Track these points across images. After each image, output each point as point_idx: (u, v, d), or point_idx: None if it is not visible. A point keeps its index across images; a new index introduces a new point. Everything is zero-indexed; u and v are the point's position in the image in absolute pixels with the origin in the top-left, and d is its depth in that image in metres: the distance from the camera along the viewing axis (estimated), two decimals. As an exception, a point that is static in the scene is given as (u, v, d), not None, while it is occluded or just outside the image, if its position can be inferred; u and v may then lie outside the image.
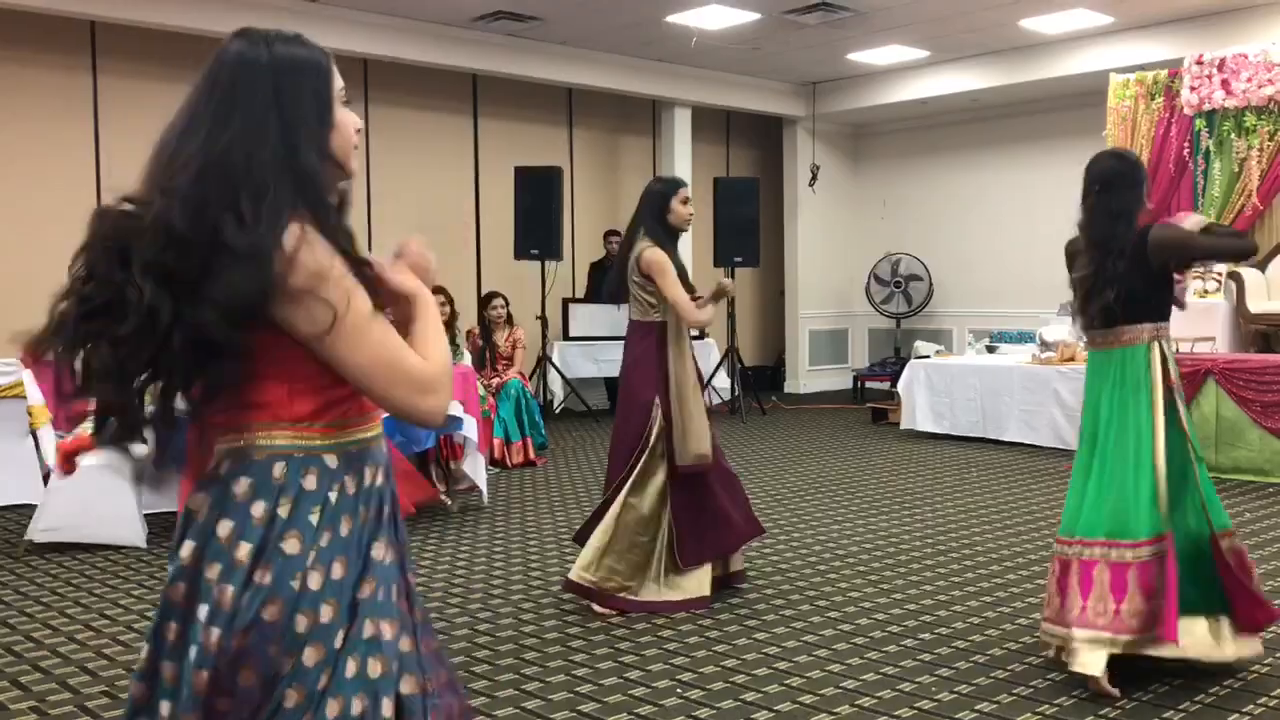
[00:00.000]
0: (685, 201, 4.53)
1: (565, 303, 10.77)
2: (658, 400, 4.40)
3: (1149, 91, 9.02)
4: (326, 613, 1.58)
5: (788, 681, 3.60)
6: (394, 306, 1.70)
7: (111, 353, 1.57)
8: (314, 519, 1.60)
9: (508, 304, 8.80)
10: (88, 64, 8.70)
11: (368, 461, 1.68)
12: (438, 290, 8.25)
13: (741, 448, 8.78)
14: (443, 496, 6.42)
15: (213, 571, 1.56)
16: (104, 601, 4.62)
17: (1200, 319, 7.99)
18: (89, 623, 4.33)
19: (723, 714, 3.34)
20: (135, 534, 5.53)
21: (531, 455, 8.09)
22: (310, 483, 1.61)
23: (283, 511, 1.58)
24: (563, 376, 10.35)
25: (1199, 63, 8.69)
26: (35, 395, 5.63)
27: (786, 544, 5.51)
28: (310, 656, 1.56)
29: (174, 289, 1.52)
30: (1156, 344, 3.52)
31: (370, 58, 9.64)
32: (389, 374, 1.57)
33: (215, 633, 1.54)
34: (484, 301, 8.96)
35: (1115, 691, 3.35)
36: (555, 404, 10.39)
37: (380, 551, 1.68)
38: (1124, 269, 3.49)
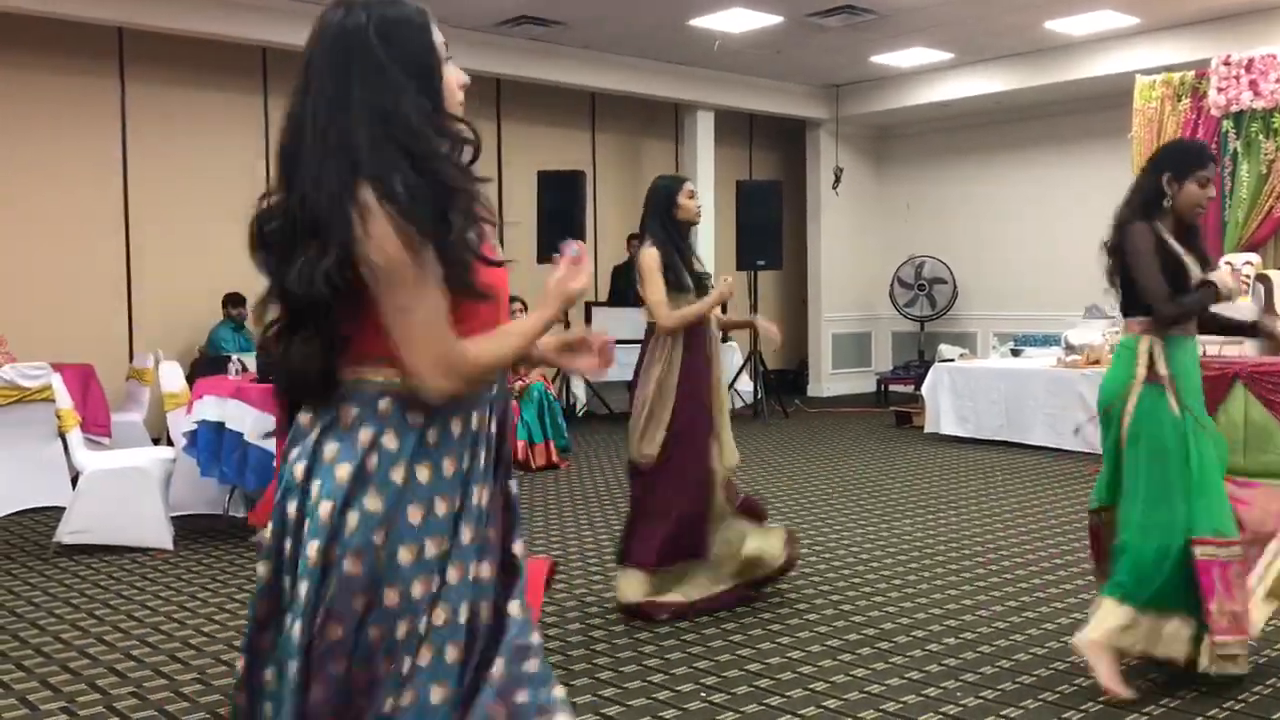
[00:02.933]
0: (691, 195, 4.50)
1: (588, 306, 10.78)
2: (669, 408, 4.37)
3: (1175, 93, 8.94)
4: (430, 548, 1.63)
5: (812, 686, 3.59)
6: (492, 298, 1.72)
7: (281, 342, 1.69)
8: (415, 454, 1.64)
9: (526, 307, 8.82)
10: (115, 70, 8.78)
11: (475, 407, 1.71)
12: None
13: (764, 451, 8.76)
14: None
15: (315, 488, 1.62)
16: (132, 603, 4.66)
17: (1228, 322, 7.90)
18: (117, 624, 4.37)
19: (747, 718, 3.33)
20: (162, 536, 5.57)
21: (554, 458, 8.10)
22: (415, 419, 1.65)
23: (389, 442, 1.63)
24: (586, 380, 10.36)
25: (1226, 63, 8.61)
26: (64, 399, 5.68)
27: (810, 548, 5.50)
28: (418, 590, 1.61)
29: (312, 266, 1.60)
30: (1145, 337, 3.44)
31: (394, 63, 9.68)
32: (419, 340, 1.59)
33: (315, 545, 1.59)
34: (506, 305, 8.99)
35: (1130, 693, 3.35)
36: (578, 407, 10.41)
37: (481, 497, 1.70)
38: (1117, 262, 3.50)
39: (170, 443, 6.20)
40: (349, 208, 1.55)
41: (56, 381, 5.81)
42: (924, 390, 9.57)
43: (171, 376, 6.41)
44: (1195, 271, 3.46)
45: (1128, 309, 3.54)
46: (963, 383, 9.22)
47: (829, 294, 13.04)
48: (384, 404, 1.65)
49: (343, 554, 1.59)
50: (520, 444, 7.88)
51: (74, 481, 5.80)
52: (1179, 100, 8.94)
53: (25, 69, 8.36)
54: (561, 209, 9.92)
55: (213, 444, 5.72)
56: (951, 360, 9.93)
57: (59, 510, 5.89)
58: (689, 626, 4.24)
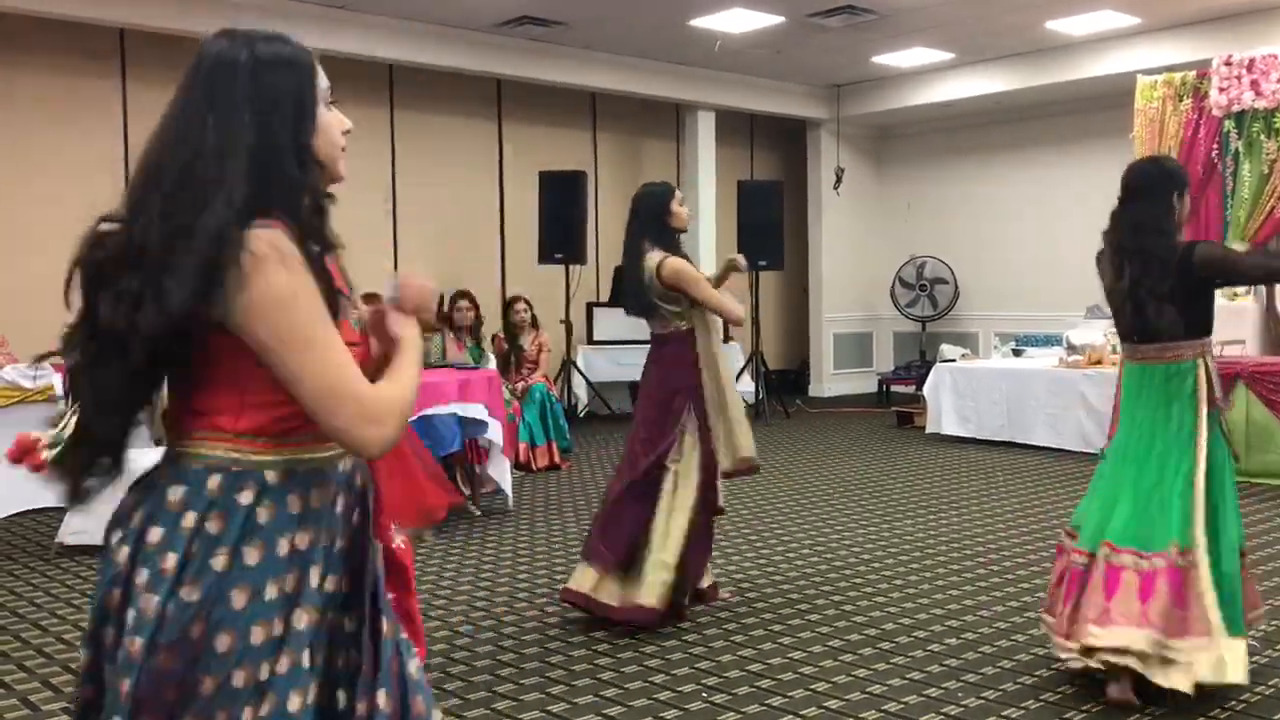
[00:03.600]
0: (682, 203, 4.47)
1: (589, 307, 10.79)
2: (691, 410, 4.30)
3: (1177, 93, 8.93)
4: (256, 634, 1.53)
5: (813, 686, 3.59)
6: (379, 339, 1.70)
7: (89, 383, 1.57)
8: (246, 536, 1.54)
9: (530, 307, 8.82)
10: (117, 71, 8.78)
11: (318, 482, 1.62)
12: (463, 294, 8.29)
13: (766, 451, 8.73)
14: (469, 505, 6.43)
15: (140, 578, 1.53)
16: (133, 604, 4.66)
17: (1230, 322, 7.90)
18: (118, 625, 4.37)
19: (749, 718, 3.33)
20: (164, 537, 5.56)
21: (556, 459, 8.10)
22: (245, 498, 1.55)
23: (211, 526, 1.53)
24: (587, 380, 10.36)
25: (1227, 63, 8.60)
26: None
27: (811, 549, 5.50)
28: (239, 679, 1.51)
29: (133, 304, 1.50)
30: (1201, 361, 3.43)
31: (395, 63, 9.69)
32: (334, 398, 1.51)
33: (138, 642, 1.50)
34: (507, 306, 8.99)
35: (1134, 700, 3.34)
36: (580, 408, 10.40)
37: (315, 579, 1.59)
38: (1168, 285, 3.37)
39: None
40: (227, 253, 1.47)
41: (58, 382, 5.81)
42: (925, 390, 9.56)
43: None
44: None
45: (1190, 330, 3.44)
46: (964, 383, 9.21)
47: (830, 294, 13.04)
48: (213, 483, 1.55)
49: (158, 646, 1.50)
50: (522, 445, 7.88)
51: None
52: (1180, 100, 8.93)
53: (26, 70, 8.37)
54: (562, 209, 9.93)
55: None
56: (953, 360, 9.93)
57: (61, 511, 5.89)
58: (690, 628, 4.24)
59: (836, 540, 5.68)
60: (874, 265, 13.15)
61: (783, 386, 11.94)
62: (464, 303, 8.14)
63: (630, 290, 4.46)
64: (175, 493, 1.55)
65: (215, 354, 1.55)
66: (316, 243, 1.58)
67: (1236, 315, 8.03)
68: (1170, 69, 9.21)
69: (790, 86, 12.16)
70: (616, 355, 10.37)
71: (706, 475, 4.30)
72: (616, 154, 11.88)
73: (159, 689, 1.50)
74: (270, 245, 1.49)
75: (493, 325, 8.92)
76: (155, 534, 1.54)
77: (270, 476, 1.57)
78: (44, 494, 6.42)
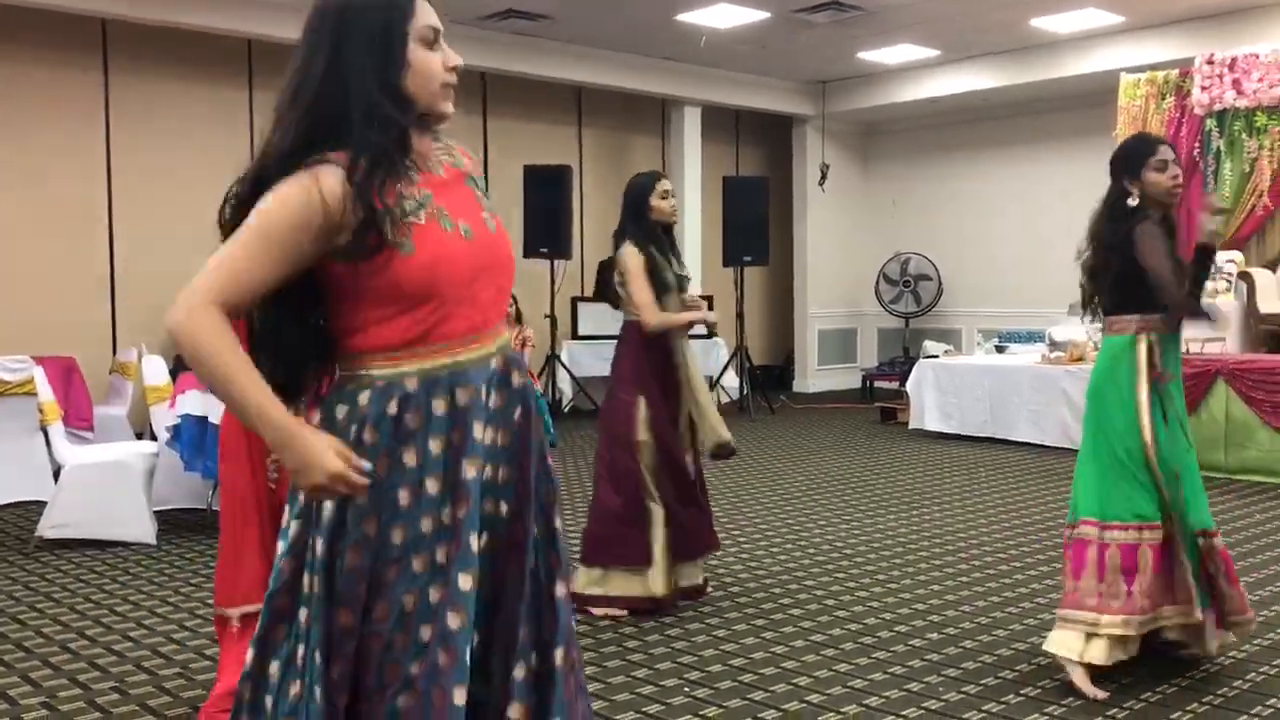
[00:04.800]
0: (665, 195, 4.43)
1: (574, 301, 10.78)
2: (643, 400, 4.33)
3: (1160, 91, 8.99)
4: (425, 525, 1.71)
5: (795, 681, 3.60)
6: None
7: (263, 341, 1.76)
8: (400, 441, 1.71)
9: (515, 302, 8.79)
10: (99, 63, 8.72)
11: (460, 384, 1.75)
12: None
13: (750, 447, 8.77)
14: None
15: None
16: (114, 598, 4.64)
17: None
18: (99, 619, 4.35)
19: (730, 713, 3.34)
20: (145, 531, 5.55)
21: (540, 453, 8.08)
22: (392, 408, 1.71)
23: (368, 437, 1.71)
24: (571, 375, 10.35)
25: (1210, 62, 8.66)
26: (46, 392, 5.65)
27: (794, 543, 5.51)
28: (418, 564, 1.71)
29: None
30: (1144, 336, 3.46)
31: (380, 56, 9.64)
32: (202, 275, 1.64)
33: (320, 543, 1.70)
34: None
35: (1100, 694, 3.36)
36: (564, 403, 10.40)
37: (470, 471, 1.74)
38: (1112, 260, 3.47)
39: (154, 437, 6.17)
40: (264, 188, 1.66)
41: (39, 375, 5.78)
42: (909, 386, 9.59)
43: (155, 370, 6.37)
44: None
45: (1125, 305, 3.50)
46: (947, 379, 9.25)
47: (815, 290, 13.06)
48: (363, 398, 1.73)
49: (343, 548, 1.69)
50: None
51: (56, 475, 5.78)
52: (1163, 99, 8.98)
53: (7, 60, 8.30)
54: (548, 204, 9.91)
55: (196, 438, 5.69)
56: (936, 356, 9.96)
57: (40, 504, 5.86)
58: (672, 622, 4.25)
59: (819, 535, 5.69)
60: (859, 261, 13.18)
61: (767, 382, 11.96)
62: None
63: (603, 280, 4.58)
64: (340, 411, 1.74)
65: (324, 282, 1.72)
66: (386, 172, 1.68)
67: (1217, 312, 8.08)
68: (1153, 67, 9.27)
69: (776, 82, 12.17)
70: (601, 350, 10.35)
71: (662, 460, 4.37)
72: (602, 149, 11.87)
73: (353, 584, 1.69)
74: (296, 180, 1.64)
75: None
76: None
77: (411, 384, 1.73)
78: (22, 486, 6.41)
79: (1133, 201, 3.47)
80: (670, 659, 3.83)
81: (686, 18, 9.44)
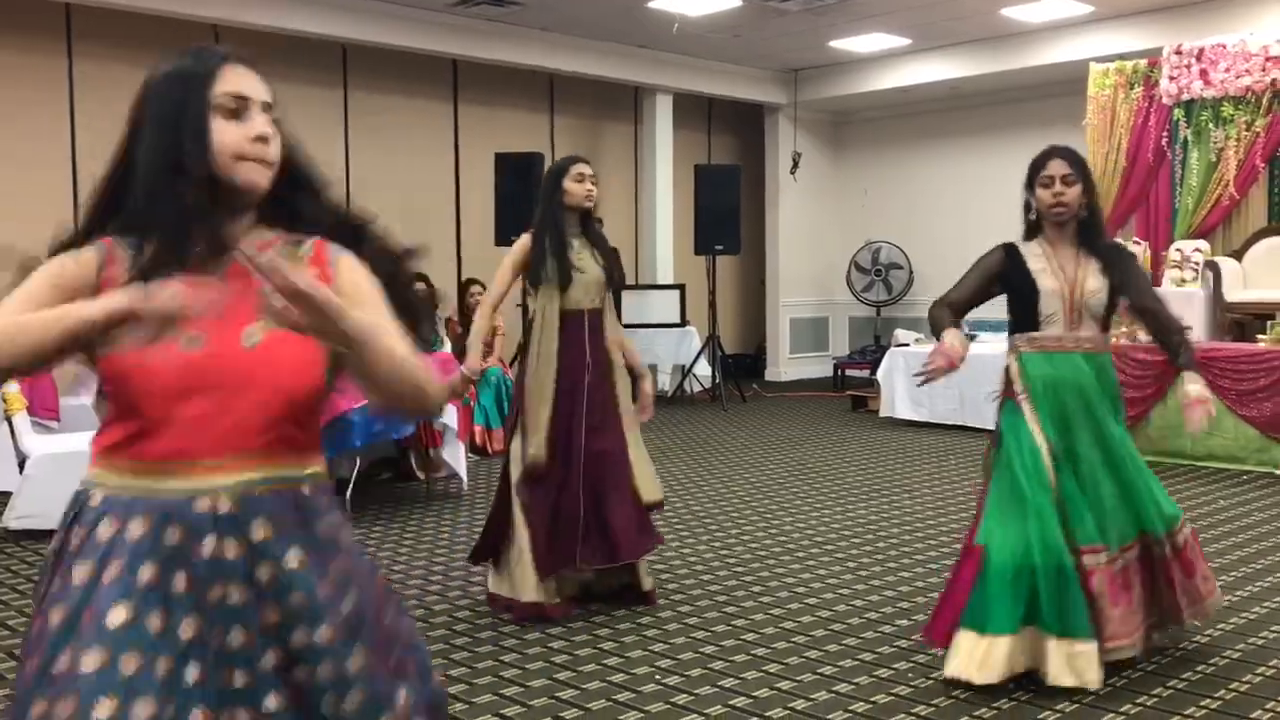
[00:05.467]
0: (580, 179, 4.16)
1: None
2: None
3: (1128, 81, 9.05)
4: (61, 662, 1.50)
5: (766, 668, 3.61)
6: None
7: None
8: (59, 557, 1.63)
9: (427, 281, 8.74)
10: (62, 47, 8.61)
11: (128, 515, 1.55)
12: (419, 277, 8.24)
13: (722, 435, 8.79)
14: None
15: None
16: (80, 589, 4.59)
17: (1177, 308, 7.97)
18: (65, 610, 4.30)
19: (701, 700, 3.35)
20: (112, 521, 5.49)
21: (511, 442, 8.06)
22: (67, 519, 1.65)
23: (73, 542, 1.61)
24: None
25: (1178, 52, 8.72)
26: (10, 382, 5.58)
27: (765, 531, 5.53)
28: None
29: None
30: (1012, 355, 3.61)
31: (349, 42, 9.57)
32: None
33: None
34: (462, 289, 8.94)
35: None
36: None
37: (119, 614, 1.51)
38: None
39: None
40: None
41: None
42: (879, 375, 9.64)
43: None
44: (1051, 287, 3.54)
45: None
46: (918, 367, 9.26)
47: (787, 279, 13.09)
48: (76, 502, 1.68)
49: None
50: (477, 428, 7.84)
51: (21, 466, 5.71)
52: (1131, 88, 9.04)
53: (-31, 44, 8.18)
54: (519, 191, 9.84)
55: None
56: (907, 345, 10.01)
57: (6, 495, 5.79)
58: (645, 612, 4.24)
59: (791, 523, 5.71)
60: (830, 250, 13.21)
61: (739, 370, 11.97)
62: (419, 285, 8.07)
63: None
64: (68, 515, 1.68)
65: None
66: (157, 261, 1.56)
67: (1185, 301, 8.15)
68: (1122, 57, 9.33)
69: (748, 70, 12.17)
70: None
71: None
72: (574, 137, 11.82)
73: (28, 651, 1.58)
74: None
75: (448, 307, 8.86)
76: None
77: (95, 499, 1.62)
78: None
79: (1032, 216, 3.58)
80: (641, 647, 3.83)
81: (658, 5, 9.41)
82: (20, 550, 5.26)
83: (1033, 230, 3.63)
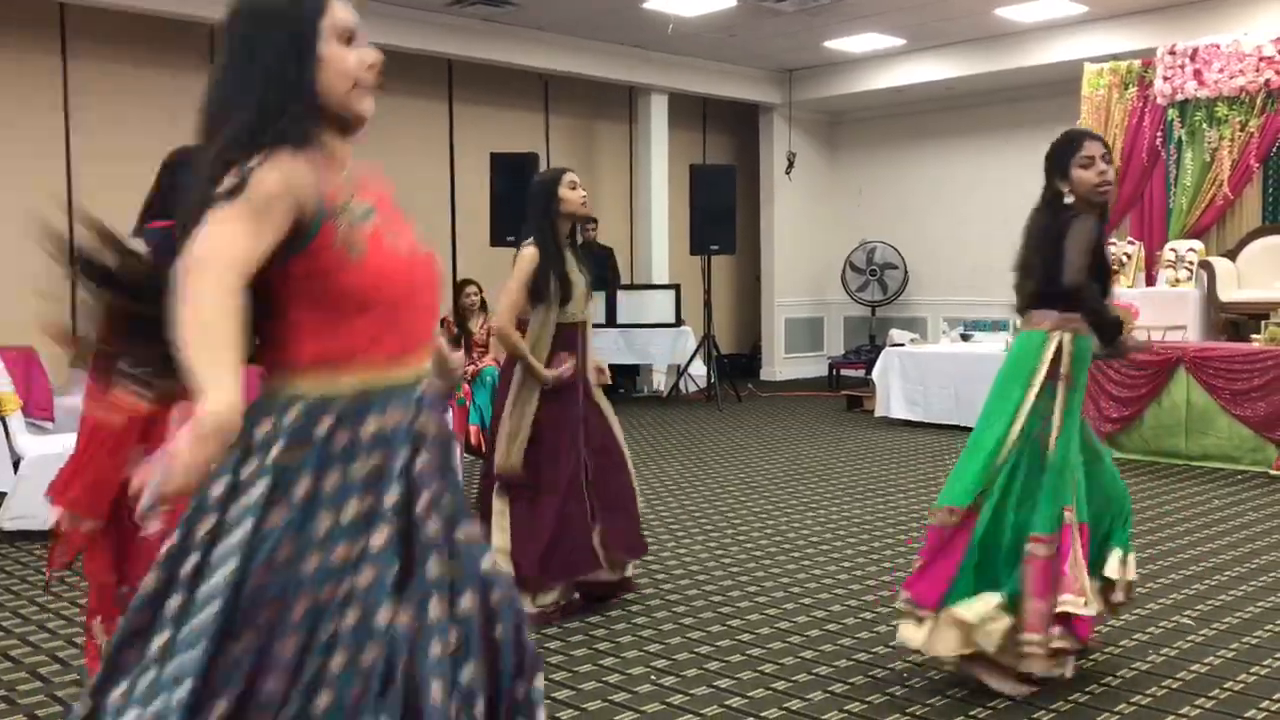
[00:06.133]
0: (574, 186, 4.17)
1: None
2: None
3: (1123, 81, 9.07)
4: (339, 553, 1.62)
5: (761, 669, 3.62)
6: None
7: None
8: (320, 463, 1.64)
9: (481, 291, 8.77)
10: (57, 47, 8.59)
11: (391, 403, 1.70)
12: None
13: (717, 435, 8.80)
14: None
15: (234, 509, 1.61)
16: (75, 590, 4.59)
17: (1171, 307, 8.05)
18: (60, 611, 4.30)
19: (696, 700, 3.35)
20: (107, 522, 5.48)
21: (507, 442, 8.05)
22: (321, 428, 1.65)
23: (290, 457, 1.63)
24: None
25: (1172, 53, 8.74)
26: (4, 382, 5.57)
27: (760, 531, 5.54)
28: (328, 595, 1.60)
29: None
30: (1056, 334, 3.43)
31: (344, 42, 9.56)
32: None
33: (231, 566, 1.58)
34: (457, 289, 8.93)
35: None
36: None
37: (390, 499, 1.67)
38: (1045, 252, 3.45)
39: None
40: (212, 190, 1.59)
41: (-2, 367, 5.70)
42: (874, 375, 9.64)
43: (116, 359, 6.29)
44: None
45: (1046, 300, 3.47)
46: (913, 367, 9.30)
47: (782, 278, 13.09)
48: (290, 415, 1.66)
49: (251, 570, 1.58)
50: (473, 429, 7.83)
51: (16, 466, 5.70)
52: (1125, 88, 9.06)
53: (-37, 44, 8.17)
54: (514, 192, 9.84)
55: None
56: (902, 345, 10.02)
57: (0, 496, 5.78)
58: (640, 610, 4.25)
59: (785, 523, 5.72)
60: (825, 250, 13.23)
61: (734, 370, 11.99)
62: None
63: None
64: (264, 426, 1.65)
65: (264, 290, 1.64)
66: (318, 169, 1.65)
67: (1178, 300, 8.18)
68: (1116, 57, 9.35)
69: (743, 70, 12.17)
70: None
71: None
72: (569, 136, 11.83)
73: (255, 609, 1.57)
74: (265, 164, 1.59)
75: (443, 308, 8.86)
76: (248, 467, 1.63)
77: (343, 402, 1.67)
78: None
79: (1069, 199, 3.47)
80: (637, 647, 3.83)
81: (653, 5, 9.42)
82: (15, 551, 5.25)
83: (1062, 213, 3.44)
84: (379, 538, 1.64)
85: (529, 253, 4.14)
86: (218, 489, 1.61)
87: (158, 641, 1.57)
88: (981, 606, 3.27)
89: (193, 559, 1.59)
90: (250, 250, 1.56)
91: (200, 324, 1.48)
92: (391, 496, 1.67)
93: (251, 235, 1.56)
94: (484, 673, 1.71)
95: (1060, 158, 3.49)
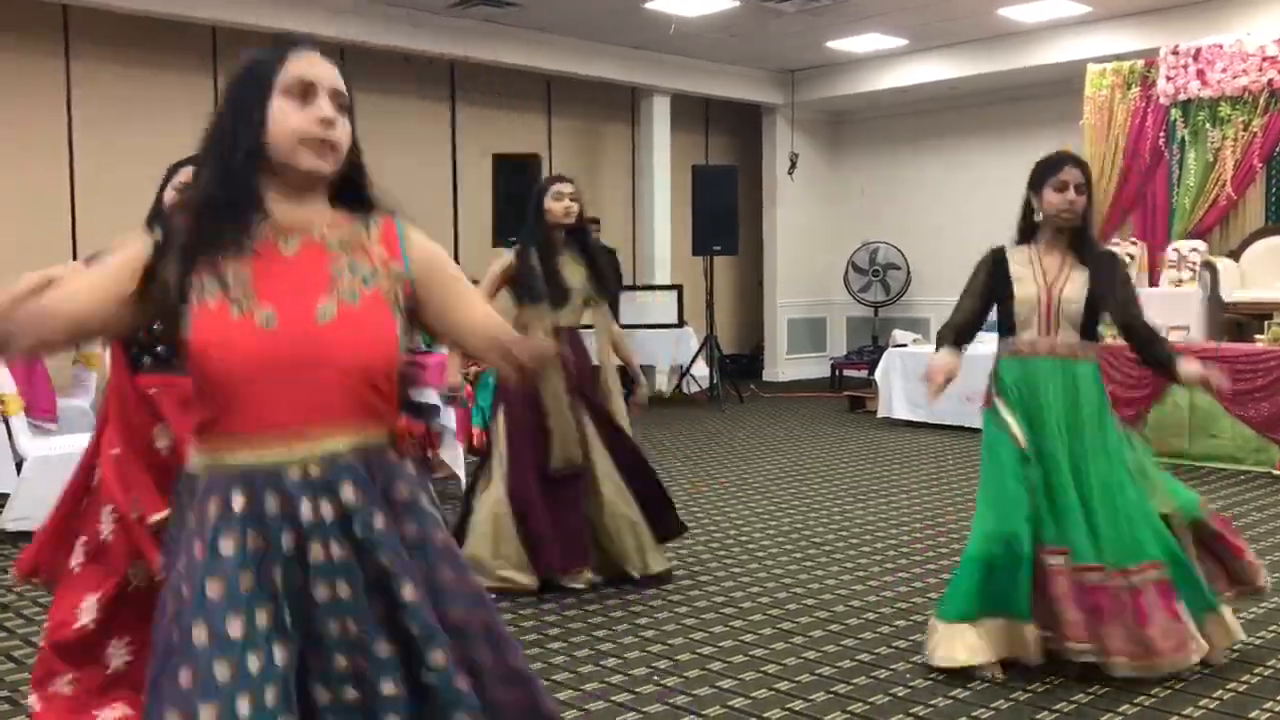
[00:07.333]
0: (559, 197, 4.45)
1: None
2: (501, 408, 4.49)
3: (1125, 81, 9.05)
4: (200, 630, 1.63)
5: (763, 669, 3.62)
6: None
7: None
8: (194, 532, 1.66)
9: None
10: (60, 49, 8.60)
11: (247, 488, 1.64)
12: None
13: (719, 435, 8.80)
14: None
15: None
16: (78, 591, 4.59)
17: (1175, 308, 8.03)
18: (62, 612, 4.30)
19: (698, 701, 3.35)
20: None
21: (509, 443, 8.05)
22: (193, 498, 1.70)
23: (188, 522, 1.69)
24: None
25: (1175, 53, 8.73)
26: (8, 383, 5.57)
27: (763, 532, 5.53)
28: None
29: None
30: (995, 360, 3.69)
31: (347, 44, 9.56)
32: None
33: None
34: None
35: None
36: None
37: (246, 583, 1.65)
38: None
39: None
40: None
41: (4, 374, 5.69)
42: (877, 375, 9.64)
43: (118, 361, 6.29)
44: (1027, 294, 3.59)
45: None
46: (915, 368, 9.28)
47: (784, 279, 13.09)
48: (182, 482, 1.78)
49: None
50: (475, 430, 7.82)
51: (19, 468, 5.70)
52: (1128, 88, 9.04)
53: (-34, 46, 8.18)
54: (517, 193, 9.84)
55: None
56: (905, 345, 10.01)
57: (2, 497, 5.78)
58: (642, 609, 4.25)
59: (788, 523, 5.71)
60: (828, 250, 13.22)
61: (737, 371, 11.98)
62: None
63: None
64: (182, 495, 1.76)
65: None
66: (216, 236, 1.65)
67: (1181, 301, 8.16)
68: (1119, 58, 9.33)
69: (745, 71, 12.17)
70: (571, 339, 10.35)
71: (513, 467, 4.41)
72: (572, 138, 11.83)
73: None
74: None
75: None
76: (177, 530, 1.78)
77: (202, 480, 1.70)
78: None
79: (1037, 217, 3.56)
80: (639, 648, 3.83)
81: (655, 5, 9.41)
82: (16, 551, 5.24)
83: (1028, 233, 3.63)
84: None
85: (504, 257, 4.45)
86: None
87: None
88: None
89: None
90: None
91: None
92: (245, 580, 1.63)
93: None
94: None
95: (1040, 174, 3.58)
